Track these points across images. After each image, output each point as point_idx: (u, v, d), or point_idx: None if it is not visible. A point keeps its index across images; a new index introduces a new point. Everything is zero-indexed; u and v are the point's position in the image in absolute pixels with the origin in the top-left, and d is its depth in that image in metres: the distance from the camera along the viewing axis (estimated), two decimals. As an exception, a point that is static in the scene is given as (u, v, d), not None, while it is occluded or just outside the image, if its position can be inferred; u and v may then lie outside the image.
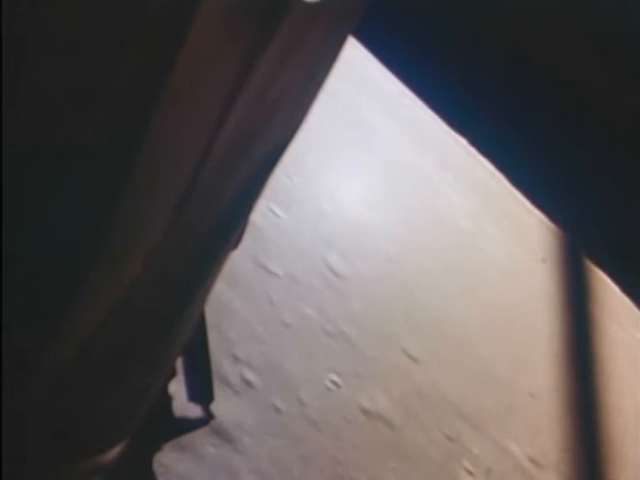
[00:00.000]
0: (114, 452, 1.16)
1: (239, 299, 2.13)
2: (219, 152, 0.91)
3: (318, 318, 2.33)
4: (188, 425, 1.69)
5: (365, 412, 2.19)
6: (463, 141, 3.93)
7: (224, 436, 1.81)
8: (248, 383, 1.99)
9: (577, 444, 2.81)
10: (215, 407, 1.79)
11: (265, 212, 2.48)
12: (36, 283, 0.92)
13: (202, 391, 1.69)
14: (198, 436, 1.72)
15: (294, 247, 2.52)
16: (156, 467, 1.57)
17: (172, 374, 1.47)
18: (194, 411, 1.75)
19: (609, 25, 3.95)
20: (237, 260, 1.86)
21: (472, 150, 3.91)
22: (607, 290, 3.73)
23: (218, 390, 1.83)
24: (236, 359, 1.99)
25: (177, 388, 1.65)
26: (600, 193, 4.21)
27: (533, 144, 4.13)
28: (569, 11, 3.95)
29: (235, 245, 1.17)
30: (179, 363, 1.64)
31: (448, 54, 4.04)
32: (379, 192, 3.12)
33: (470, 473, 2.32)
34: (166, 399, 1.54)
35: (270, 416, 1.94)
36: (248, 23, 0.82)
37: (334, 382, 2.19)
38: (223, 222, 1.02)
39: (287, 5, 0.83)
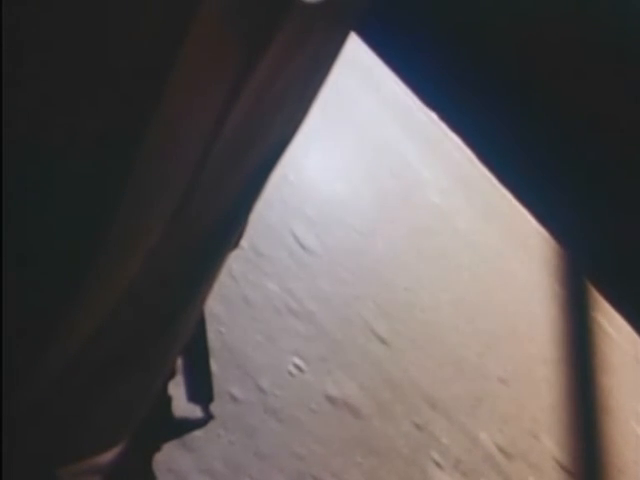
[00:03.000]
0: (114, 452, 1.09)
1: (197, 272, 1.80)
2: (220, 152, 0.88)
3: (283, 295, 2.02)
4: (188, 425, 1.54)
5: (330, 400, 1.89)
6: (434, 115, 3.74)
7: (172, 430, 1.51)
8: (202, 368, 1.68)
9: (545, 432, 2.56)
10: (177, 389, 1.49)
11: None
12: (35, 283, 0.87)
13: (202, 391, 1.54)
14: (141, 430, 1.42)
15: (259, 217, 2.22)
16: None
17: (172, 374, 1.36)
18: (194, 411, 1.56)
19: (612, 28, 3.76)
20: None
21: (444, 126, 3.73)
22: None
23: (168, 376, 1.53)
24: (190, 340, 1.67)
25: (177, 388, 1.49)
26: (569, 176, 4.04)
27: (508, 127, 3.97)
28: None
29: (235, 245, 1.11)
30: (179, 363, 1.50)
31: (425, 30, 3.85)
32: (350, 165, 2.84)
33: (439, 465, 2.04)
34: (166, 399, 1.41)
35: (226, 406, 1.63)
36: (249, 23, 0.79)
37: (298, 367, 1.89)
38: (223, 222, 0.98)
39: (287, 5, 0.80)
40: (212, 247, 1.00)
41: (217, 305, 1.82)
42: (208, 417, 1.53)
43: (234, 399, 1.67)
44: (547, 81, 4.05)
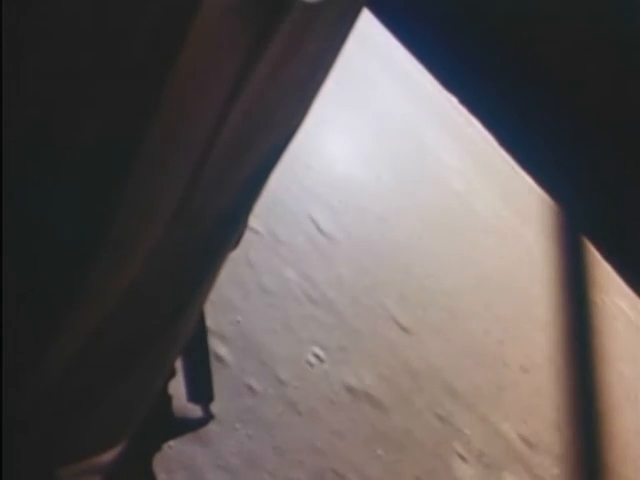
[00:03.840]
0: (114, 452, 1.08)
1: (213, 259, 1.71)
2: (219, 152, 0.86)
3: (301, 283, 1.93)
4: (188, 425, 1.48)
5: (350, 391, 1.80)
6: (454, 99, 3.66)
7: (186, 424, 1.42)
8: (219, 359, 1.59)
9: (568, 422, 2.47)
10: (177, 389, 1.41)
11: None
12: (36, 283, 0.85)
13: (202, 391, 1.49)
14: (154, 425, 1.34)
15: (278, 202, 2.13)
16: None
17: (172, 374, 1.33)
18: (194, 411, 1.49)
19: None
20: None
21: (464, 109, 3.65)
22: (595, 259, 3.42)
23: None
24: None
25: (177, 388, 1.43)
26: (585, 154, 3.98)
27: (523, 109, 3.92)
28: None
29: (235, 245, 1.09)
30: (179, 363, 1.45)
31: (446, 15, 3.81)
32: (370, 149, 2.75)
33: (462, 458, 1.95)
34: (166, 399, 1.39)
35: (243, 399, 1.55)
36: (248, 23, 0.78)
37: (317, 356, 1.80)
38: (223, 222, 0.96)
39: (287, 5, 0.79)
40: (212, 247, 0.98)
41: (234, 293, 1.73)
42: (208, 417, 1.47)
43: (251, 391, 1.59)
44: (564, 68, 4.05)
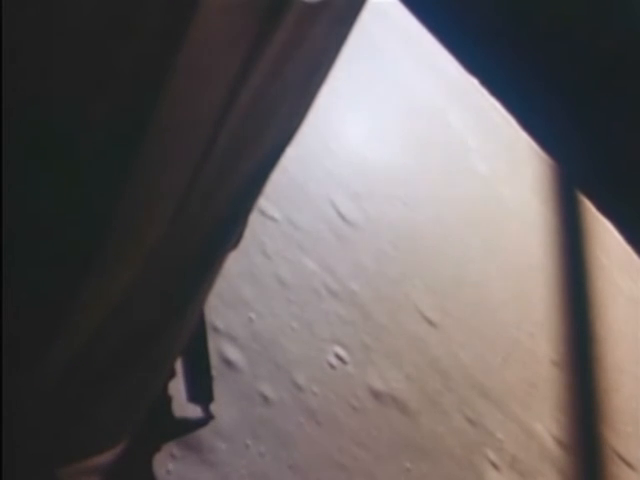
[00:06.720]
0: (114, 452, 1.05)
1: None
2: (219, 152, 0.83)
3: (321, 274, 1.69)
4: (188, 425, 1.36)
5: (375, 395, 1.56)
6: (475, 81, 3.48)
7: (190, 442, 1.19)
8: (229, 363, 1.36)
9: (602, 420, 2.23)
10: (177, 389, 1.20)
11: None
12: (36, 281, 0.82)
13: (202, 391, 1.38)
14: (154, 444, 1.13)
15: (296, 187, 1.89)
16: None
17: (172, 374, 1.26)
18: (194, 411, 1.34)
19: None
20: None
21: (485, 91, 3.47)
22: (621, 246, 3.19)
23: (187, 374, 1.22)
24: (215, 330, 1.35)
25: (177, 388, 1.31)
26: (597, 128, 3.79)
27: (539, 85, 3.77)
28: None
29: (235, 245, 1.06)
30: (179, 363, 1.35)
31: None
32: (393, 131, 2.51)
33: (495, 466, 1.71)
34: (166, 399, 1.31)
35: (255, 409, 1.31)
36: (248, 23, 0.75)
37: (339, 357, 1.56)
38: (223, 222, 0.93)
39: (287, 4, 0.76)
40: (212, 247, 0.94)
41: (247, 287, 1.49)
42: (208, 417, 1.32)
43: (265, 400, 1.35)
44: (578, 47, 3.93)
